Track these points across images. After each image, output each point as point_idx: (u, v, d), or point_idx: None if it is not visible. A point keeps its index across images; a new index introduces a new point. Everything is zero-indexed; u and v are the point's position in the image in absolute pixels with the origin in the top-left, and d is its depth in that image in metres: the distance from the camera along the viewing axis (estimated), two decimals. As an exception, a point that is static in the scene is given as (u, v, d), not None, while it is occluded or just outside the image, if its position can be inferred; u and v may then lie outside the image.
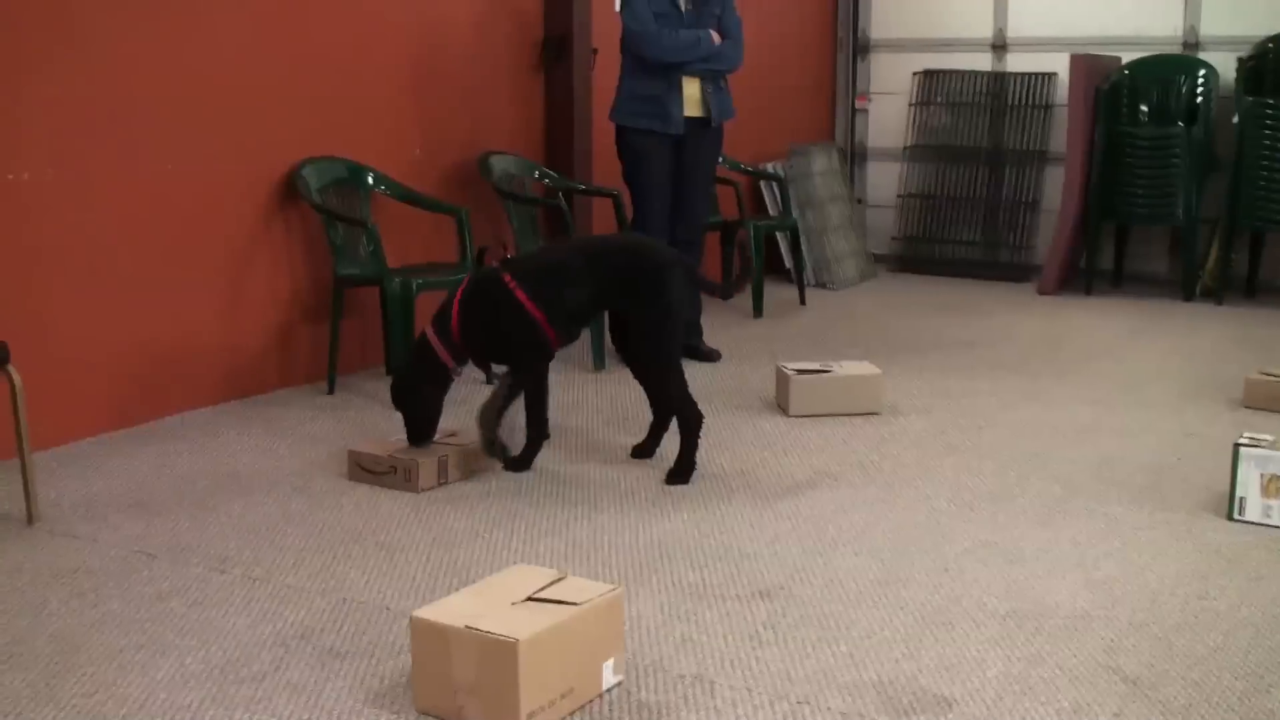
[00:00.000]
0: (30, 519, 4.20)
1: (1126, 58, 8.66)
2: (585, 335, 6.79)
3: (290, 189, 5.81)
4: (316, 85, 5.93)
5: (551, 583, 3.08)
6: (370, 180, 6.08)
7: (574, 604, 2.96)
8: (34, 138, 4.84)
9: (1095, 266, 8.63)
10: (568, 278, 4.65)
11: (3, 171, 4.75)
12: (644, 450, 4.91)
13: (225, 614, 3.51)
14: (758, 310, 7.75)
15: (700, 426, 4.66)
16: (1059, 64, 8.91)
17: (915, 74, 9.66)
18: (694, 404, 4.66)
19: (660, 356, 4.63)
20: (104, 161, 5.08)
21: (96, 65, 5.02)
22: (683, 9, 6.15)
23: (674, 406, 4.68)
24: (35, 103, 4.83)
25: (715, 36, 6.16)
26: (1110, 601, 3.57)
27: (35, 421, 4.46)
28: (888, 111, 9.90)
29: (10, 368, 4.08)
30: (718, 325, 7.17)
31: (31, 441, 4.22)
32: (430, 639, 2.91)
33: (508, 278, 4.59)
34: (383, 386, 5.89)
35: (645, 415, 5.47)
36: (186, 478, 4.67)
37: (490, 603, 2.96)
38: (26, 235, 4.85)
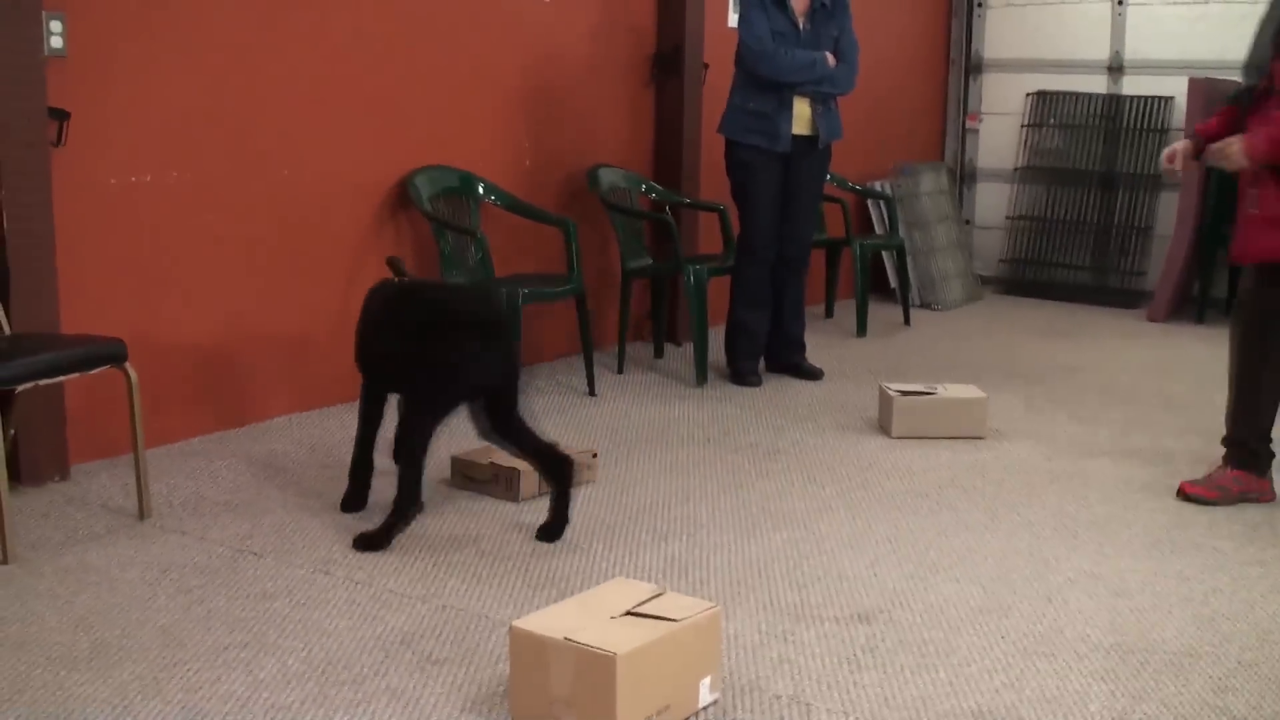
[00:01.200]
0: (142, 514, 4.29)
1: (1247, 83, 8.49)
2: (689, 349, 6.81)
3: (403, 196, 5.88)
4: (431, 96, 6.01)
5: (651, 598, 3.08)
6: (480, 190, 6.14)
7: (672, 620, 2.96)
8: (157, 142, 4.95)
9: (1208, 295, 8.46)
10: (369, 317, 4.28)
11: (126, 174, 4.87)
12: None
13: (328, 616, 3.56)
14: (861, 329, 7.71)
15: (408, 503, 4.06)
16: (1177, 88, 8.75)
17: (1028, 95, 9.55)
18: (410, 482, 4.05)
19: (415, 408, 4.14)
20: (223, 166, 5.18)
21: (218, 73, 5.13)
22: (800, 28, 6.13)
23: (397, 456, 4.21)
24: (159, 108, 4.94)
25: (830, 59, 6.13)
26: (1218, 638, 3.50)
27: (149, 419, 4.57)
28: (998, 132, 9.79)
29: (127, 365, 4.18)
30: (820, 344, 7.14)
31: (145, 438, 4.32)
32: (529, 649, 2.93)
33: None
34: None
35: (747, 430, 5.48)
36: (293, 479, 4.74)
37: (589, 615, 2.98)
38: (146, 236, 4.96)
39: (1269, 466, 4.69)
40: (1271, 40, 4.51)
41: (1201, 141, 4.64)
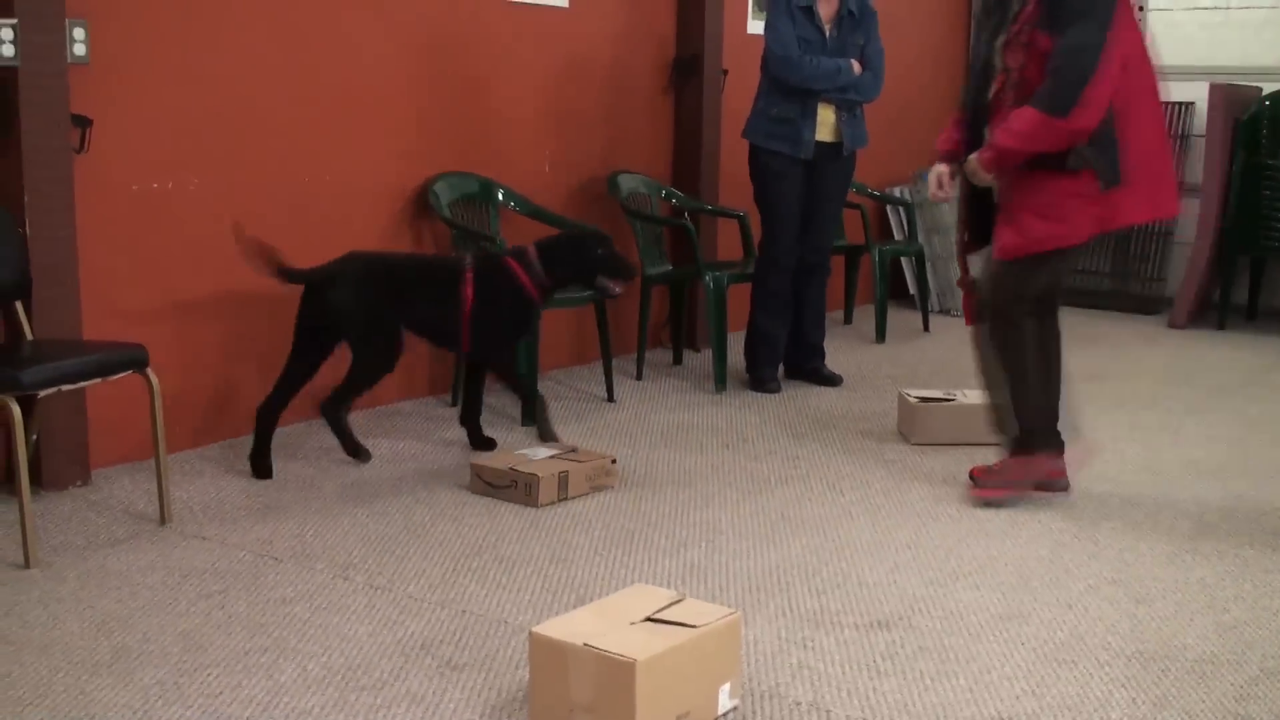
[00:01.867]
0: (163, 519, 4.31)
1: (1268, 88, 8.45)
2: (707, 356, 6.81)
3: (422, 202, 5.90)
4: (451, 102, 6.02)
5: (670, 604, 3.08)
6: (500, 196, 6.15)
7: (692, 626, 2.96)
8: (178, 148, 4.97)
9: (1229, 300, 8.43)
10: None
11: (147, 180, 4.89)
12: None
13: (347, 621, 3.57)
14: (880, 335, 7.69)
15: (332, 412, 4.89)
16: (1198, 93, 8.73)
17: (1048, 100, 9.51)
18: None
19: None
20: (244, 172, 5.20)
21: (239, 80, 5.15)
22: (826, 35, 6.12)
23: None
24: (180, 115, 4.97)
25: (856, 67, 6.12)
26: (1240, 646, 3.48)
27: (170, 424, 4.59)
28: (1018, 138, 9.74)
29: (148, 371, 4.20)
30: (839, 350, 7.14)
31: (166, 444, 4.33)
32: (549, 655, 2.93)
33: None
34: (505, 400, 5.95)
35: (767, 437, 5.48)
36: (312, 484, 4.75)
37: (609, 622, 2.98)
38: (167, 242, 4.98)
39: (1050, 443, 4.61)
40: (990, 38, 4.48)
41: (954, 157, 4.59)
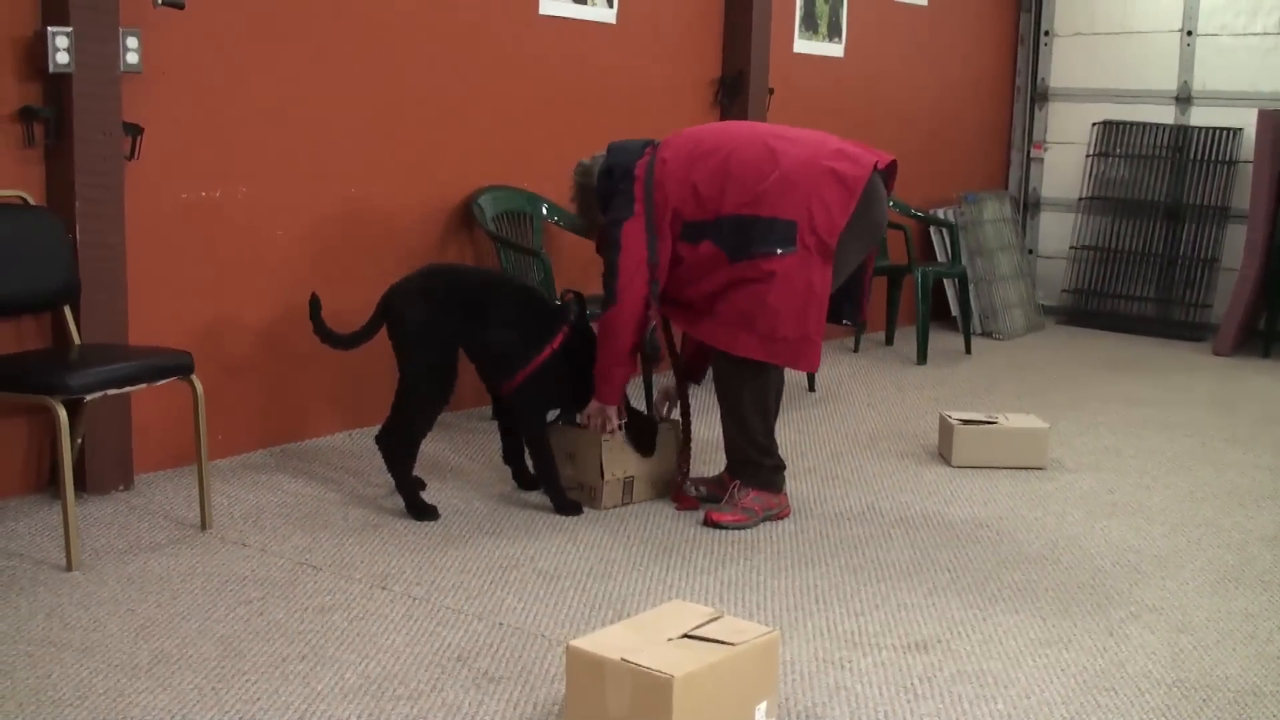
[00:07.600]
0: (204, 525, 4.34)
1: (1318, 115, 8.39)
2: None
3: (467, 215, 5.92)
4: (497, 118, 6.05)
5: (708, 621, 3.07)
6: (544, 210, 6.17)
7: (730, 644, 2.95)
8: (227, 158, 5.02)
9: (1275, 328, 8.36)
10: None
11: (196, 189, 4.93)
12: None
13: (385, 631, 3.58)
14: (922, 357, 7.66)
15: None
16: (1246, 119, 8.68)
17: (1094, 124, 9.48)
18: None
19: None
20: (292, 183, 5.24)
21: (288, 91, 5.19)
22: None
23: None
24: (230, 125, 5.01)
25: None
26: (1283, 678, 3.45)
27: (213, 431, 4.62)
28: (1064, 161, 9.72)
29: (193, 378, 4.23)
30: (881, 371, 7.11)
31: (209, 450, 4.36)
32: (586, 670, 2.92)
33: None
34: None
35: (805, 457, 5.47)
36: (353, 493, 4.78)
37: (647, 637, 2.97)
38: (215, 250, 5.02)
39: (783, 481, 4.71)
40: None
41: None
